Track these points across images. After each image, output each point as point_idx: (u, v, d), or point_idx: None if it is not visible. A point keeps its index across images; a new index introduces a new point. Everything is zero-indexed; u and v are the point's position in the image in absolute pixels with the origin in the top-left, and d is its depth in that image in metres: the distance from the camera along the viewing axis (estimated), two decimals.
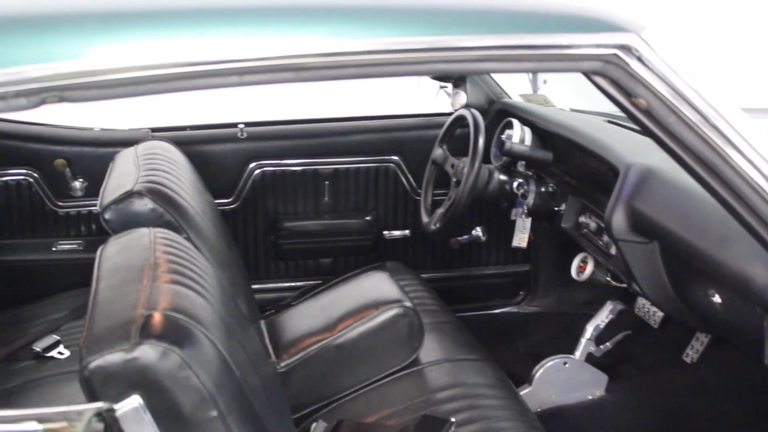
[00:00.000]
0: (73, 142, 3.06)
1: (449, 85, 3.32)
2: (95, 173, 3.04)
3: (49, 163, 3.04)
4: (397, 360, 2.33)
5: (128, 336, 1.40)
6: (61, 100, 1.20)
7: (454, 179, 2.87)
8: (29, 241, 3.10)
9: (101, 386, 1.38)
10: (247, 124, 3.17)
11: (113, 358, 1.37)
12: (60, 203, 3.09)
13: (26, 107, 1.20)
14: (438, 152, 3.03)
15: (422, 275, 3.08)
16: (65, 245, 3.08)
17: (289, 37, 1.29)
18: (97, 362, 1.37)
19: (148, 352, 1.37)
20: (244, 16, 1.33)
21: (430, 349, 2.41)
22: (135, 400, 1.34)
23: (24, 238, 3.10)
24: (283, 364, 2.26)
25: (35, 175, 3.04)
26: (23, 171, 3.04)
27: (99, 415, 1.26)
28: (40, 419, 1.22)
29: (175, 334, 1.44)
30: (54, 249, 3.07)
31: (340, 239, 3.32)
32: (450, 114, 3.11)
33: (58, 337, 2.54)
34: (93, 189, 3.06)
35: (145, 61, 1.23)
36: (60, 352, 2.49)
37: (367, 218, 3.33)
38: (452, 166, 2.92)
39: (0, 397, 2.33)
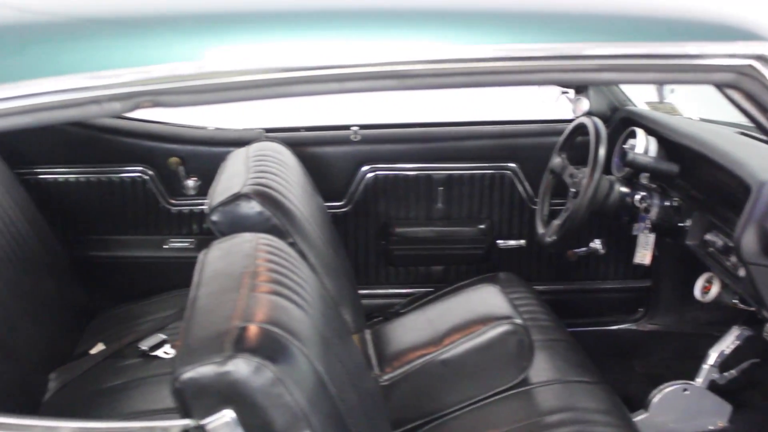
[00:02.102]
0: (187, 140, 3.07)
1: (571, 91, 3.19)
2: (208, 172, 3.04)
3: (164, 161, 3.06)
4: (504, 379, 2.24)
5: (222, 348, 1.35)
6: (156, 104, 1.17)
7: (573, 190, 2.75)
8: (142, 237, 3.13)
9: (193, 399, 1.34)
10: (361, 127, 3.12)
11: (205, 370, 1.33)
12: (173, 201, 3.11)
13: (120, 111, 1.17)
14: (556, 161, 2.91)
15: (535, 287, 2.97)
16: (177, 243, 3.10)
17: (393, 42, 1.23)
18: (189, 374, 1.33)
19: (241, 366, 1.33)
20: (345, 19, 1.26)
21: (540, 369, 2.31)
22: (227, 415, 1.30)
23: (137, 235, 3.14)
24: (386, 377, 2.19)
25: (150, 172, 3.07)
26: (139, 168, 3.06)
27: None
28: None
29: (270, 348, 1.39)
30: (165, 247, 3.09)
31: (452, 247, 3.23)
32: (570, 121, 2.98)
33: (164, 337, 2.55)
34: (205, 188, 3.03)
35: (240, 66, 1.18)
36: (166, 352, 2.49)
37: (481, 226, 3.24)
38: (571, 175, 2.80)
39: (105, 394, 2.34)
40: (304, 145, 3.02)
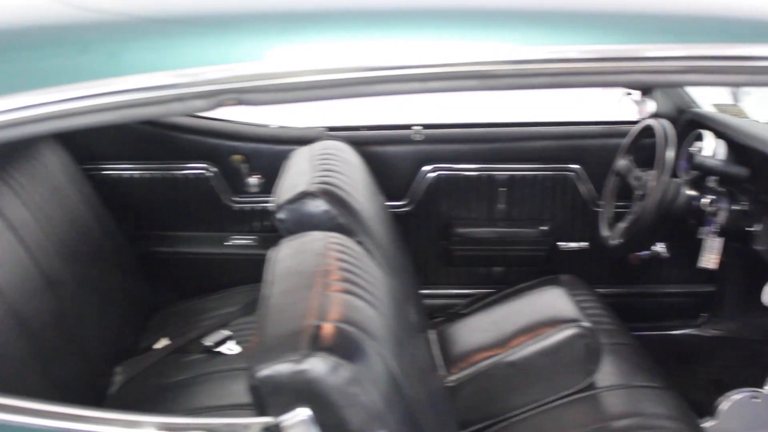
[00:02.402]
0: (250, 138, 3.08)
1: (635, 93, 3.15)
2: (270, 170, 3.06)
3: (227, 159, 3.08)
4: (570, 382, 2.21)
5: (298, 347, 1.35)
6: (239, 102, 1.17)
7: (639, 192, 2.71)
8: (204, 234, 3.16)
9: (269, 396, 1.34)
10: (424, 126, 3.11)
11: (282, 368, 1.33)
12: (235, 198, 3.13)
13: (203, 109, 1.17)
14: (622, 163, 2.88)
15: (597, 290, 2.93)
16: (238, 240, 3.11)
17: (476, 43, 1.21)
18: (266, 372, 1.34)
19: (318, 365, 1.33)
20: (427, 19, 1.25)
21: (606, 373, 2.28)
22: (303, 413, 1.30)
23: (199, 232, 3.16)
24: (452, 378, 2.18)
25: (213, 169, 3.09)
26: (202, 165, 3.09)
27: (266, 429, 1.22)
28: (208, 430, 1.19)
29: (346, 347, 1.39)
30: (227, 244, 3.11)
31: (513, 248, 3.21)
32: (635, 123, 2.94)
33: (228, 333, 2.56)
34: (268, 185, 3.07)
35: (323, 65, 1.18)
36: (230, 348, 2.51)
37: (543, 228, 3.21)
38: (637, 178, 2.76)
39: (170, 389, 2.36)
40: (366, 144, 3.01)
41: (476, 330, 2.37)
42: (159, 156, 3.09)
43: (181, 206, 3.13)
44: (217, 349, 2.51)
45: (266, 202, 3.09)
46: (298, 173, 2.42)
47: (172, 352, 2.58)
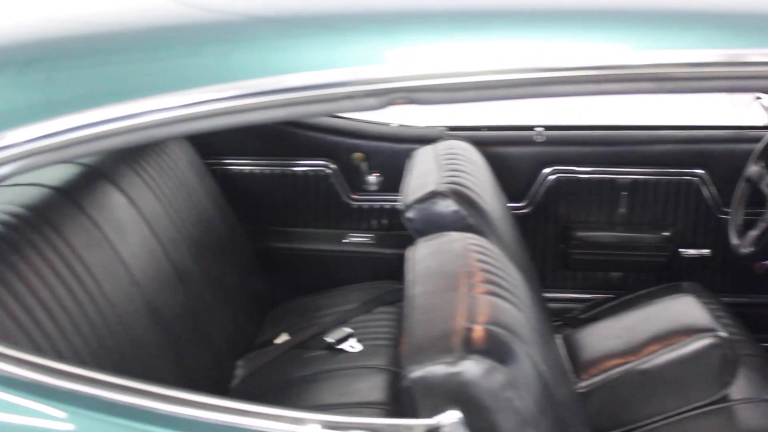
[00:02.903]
0: (370, 136, 3.09)
1: (766, 96, 3.05)
2: (390, 168, 3.06)
3: (347, 156, 3.08)
4: (704, 393, 2.15)
5: (451, 349, 1.35)
6: (410, 101, 1.16)
7: None
8: (322, 231, 3.17)
9: (421, 397, 1.34)
10: (546, 128, 3.07)
11: (436, 370, 1.33)
12: (354, 196, 3.13)
13: (373, 108, 1.17)
14: (753, 169, 2.78)
15: (721, 299, 2.85)
16: (356, 238, 3.12)
17: (652, 44, 1.18)
18: (419, 373, 1.33)
19: (472, 368, 1.32)
20: (603, 20, 1.23)
21: (739, 385, 2.21)
22: (455, 416, 1.29)
23: (317, 228, 3.18)
24: (583, 384, 2.14)
25: (333, 166, 3.10)
26: (322, 162, 3.11)
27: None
28: (371, 429, 1.19)
29: (499, 350, 1.37)
30: (345, 241, 3.12)
31: (633, 253, 3.14)
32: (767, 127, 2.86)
33: (350, 330, 2.56)
34: (387, 184, 3.08)
35: (496, 65, 1.16)
36: (351, 346, 2.51)
37: (665, 234, 3.13)
38: None
39: (293, 384, 2.38)
40: (486, 145, 2.98)
41: (606, 336, 2.32)
42: (279, 152, 3.12)
43: (300, 202, 3.16)
44: (339, 347, 2.51)
45: (385, 200, 3.10)
46: (425, 172, 2.41)
47: (293, 347, 2.60)
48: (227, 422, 1.18)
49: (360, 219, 3.15)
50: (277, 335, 2.68)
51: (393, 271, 3.01)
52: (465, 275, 1.62)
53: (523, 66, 1.16)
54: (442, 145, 2.67)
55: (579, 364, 2.23)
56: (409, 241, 3.00)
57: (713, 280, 3.16)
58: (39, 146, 1.19)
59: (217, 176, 2.95)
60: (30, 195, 1.92)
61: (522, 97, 1.17)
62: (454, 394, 1.32)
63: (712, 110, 3.51)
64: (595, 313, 2.87)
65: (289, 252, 3.13)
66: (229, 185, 2.99)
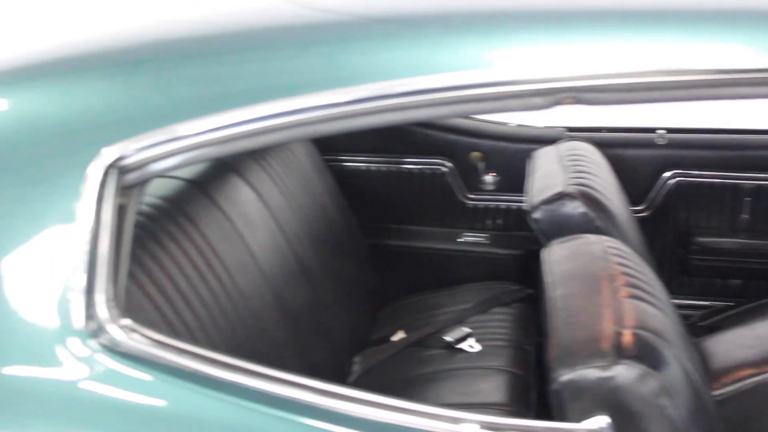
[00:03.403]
0: (489, 135, 3.07)
1: None
2: (507, 168, 3.05)
3: (464, 155, 3.07)
4: None
5: (603, 353, 1.33)
6: (577, 101, 1.14)
7: None
8: (436, 229, 3.17)
9: (570, 401, 1.33)
10: (669, 131, 3.01)
11: (587, 374, 1.31)
12: (470, 195, 3.12)
13: (540, 107, 1.15)
14: None
15: None
16: (471, 237, 3.10)
17: None
18: (569, 376, 1.32)
19: (624, 373, 1.30)
20: None
21: None
22: (602, 421, 1.27)
23: (431, 227, 3.17)
24: (715, 393, 2.09)
25: (449, 165, 3.09)
26: (438, 160, 3.10)
27: None
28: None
29: (650, 355, 1.35)
30: (459, 240, 3.11)
31: (755, 261, 3.05)
32: None
33: (468, 330, 2.55)
34: (503, 184, 3.06)
35: (668, 66, 1.13)
36: (470, 346, 2.49)
37: None
38: None
39: (412, 382, 2.37)
40: (606, 146, 2.94)
41: (737, 345, 2.26)
42: (396, 149, 3.12)
43: (415, 200, 3.16)
44: (458, 346, 2.50)
45: (501, 200, 3.08)
46: (551, 173, 2.39)
47: (411, 345, 2.60)
48: (387, 420, 1.18)
49: (475, 218, 3.14)
50: (393, 332, 2.68)
51: (507, 271, 3.01)
52: (607, 278, 1.60)
53: (698, 68, 1.13)
54: (564, 146, 2.64)
55: (709, 373, 2.17)
56: (524, 241, 3.01)
57: None
58: (205, 140, 1.22)
59: (333, 172, 2.97)
60: (168, 187, 1.96)
61: (695, 100, 1.14)
62: (605, 399, 1.30)
63: None
64: (716, 321, 2.79)
65: (403, 250, 3.13)
66: (345, 182, 3.01)
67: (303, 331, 2.22)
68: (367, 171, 3.13)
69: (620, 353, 1.32)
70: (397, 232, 3.16)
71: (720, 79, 1.13)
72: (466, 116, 3.02)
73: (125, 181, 1.25)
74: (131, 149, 1.22)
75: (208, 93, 1.24)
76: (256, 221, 2.20)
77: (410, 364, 2.49)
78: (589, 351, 1.34)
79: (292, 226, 2.39)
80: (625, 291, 1.54)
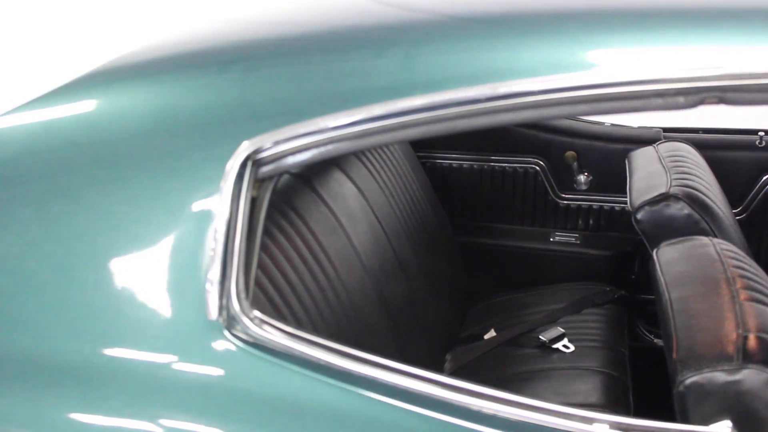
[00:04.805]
0: (583, 135, 3.04)
1: None
2: (600, 168, 3.02)
3: (558, 154, 3.05)
4: None
5: (729, 357, 1.32)
6: (721, 101, 1.13)
7: None
8: (528, 228, 3.16)
9: (694, 404, 1.32)
10: None
11: (714, 377, 1.30)
12: (562, 195, 3.10)
13: (683, 107, 1.15)
14: None
15: None
16: (562, 237, 3.08)
17: None
18: (694, 378, 1.31)
19: (752, 377, 1.29)
20: None
21: None
22: (725, 426, 1.25)
23: (523, 225, 3.16)
24: None
25: (543, 164, 3.08)
26: (531, 159, 3.08)
27: None
28: None
29: None
30: (551, 239, 3.09)
31: None
32: None
33: (562, 330, 2.54)
34: (596, 184, 3.03)
35: None
36: (565, 346, 2.48)
37: None
38: None
39: (507, 381, 2.37)
40: (703, 148, 2.89)
41: None
42: (489, 147, 3.11)
43: (507, 199, 3.15)
44: (553, 346, 2.49)
45: (594, 200, 3.05)
46: (652, 174, 2.36)
47: (503, 343, 2.59)
48: (521, 417, 1.19)
49: (567, 218, 3.12)
50: (484, 331, 2.68)
51: (598, 271, 2.99)
52: (725, 281, 1.58)
53: None
54: (664, 147, 2.61)
55: None
56: (615, 242, 2.99)
57: None
58: (341, 134, 1.23)
59: (427, 170, 2.98)
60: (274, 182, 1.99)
61: None
62: (731, 402, 1.29)
63: None
64: None
65: (493, 248, 3.12)
66: (437, 179, 3.02)
67: (402, 327, 2.23)
68: (460, 168, 3.13)
69: (747, 357, 1.31)
70: (488, 230, 3.16)
71: None
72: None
73: (259, 174, 1.27)
74: (269, 142, 1.24)
75: (343, 88, 1.25)
76: (358, 216, 2.22)
77: (504, 362, 2.48)
78: (715, 354, 1.33)
79: (391, 221, 2.40)
80: (744, 294, 1.52)
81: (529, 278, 3.03)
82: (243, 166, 1.25)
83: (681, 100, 1.14)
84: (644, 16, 1.23)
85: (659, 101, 1.14)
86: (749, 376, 1.28)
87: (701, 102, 1.14)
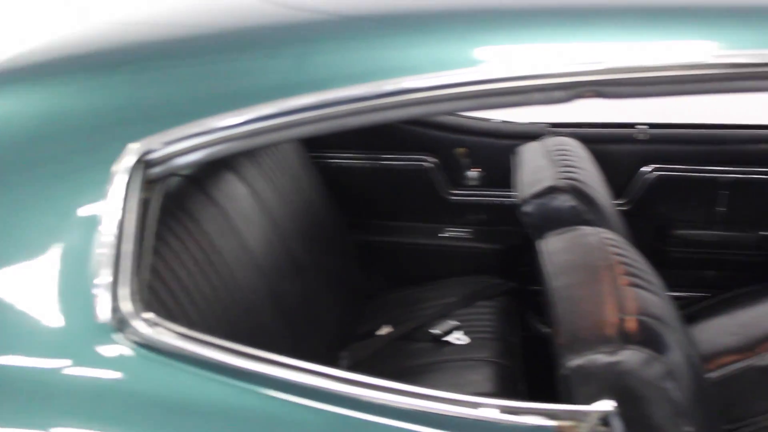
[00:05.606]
0: (472, 132, 3.10)
1: None
2: (491, 164, 3.09)
3: (447, 151, 3.10)
4: None
5: (609, 339, 1.37)
6: (598, 95, 1.19)
7: None
8: (420, 225, 3.20)
9: (578, 386, 1.37)
10: (649, 126, 3.07)
11: (595, 359, 1.35)
12: (453, 191, 3.16)
13: (562, 100, 1.20)
14: None
15: None
16: (454, 232, 3.14)
17: None
18: (578, 362, 1.36)
19: (631, 358, 1.34)
20: None
21: None
22: (608, 405, 1.31)
23: (415, 222, 3.21)
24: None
25: (432, 161, 3.12)
26: (423, 156, 3.13)
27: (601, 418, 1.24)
28: (549, 414, 1.22)
29: (654, 340, 1.40)
30: (442, 235, 3.14)
31: (732, 252, 3.12)
32: None
33: (456, 323, 2.59)
34: (487, 180, 3.10)
35: (687, 60, 1.18)
36: (458, 338, 2.53)
37: (763, 233, 3.11)
38: None
39: (402, 375, 2.40)
40: (587, 142, 2.99)
41: (720, 333, 2.33)
42: (380, 146, 3.14)
43: (399, 196, 3.19)
44: (445, 339, 2.54)
45: (484, 195, 3.12)
46: (539, 168, 2.43)
47: (398, 338, 2.63)
48: (411, 406, 1.22)
49: (458, 214, 3.17)
50: (378, 327, 2.71)
51: (489, 265, 3.06)
52: (606, 268, 1.64)
53: (714, 62, 1.18)
54: (550, 141, 2.69)
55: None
56: (506, 236, 3.06)
57: None
58: (231, 134, 1.24)
59: (319, 169, 2.99)
60: (166, 183, 1.97)
61: (711, 93, 1.19)
62: (612, 383, 1.34)
63: None
64: (694, 312, 2.86)
65: (386, 245, 3.16)
66: (330, 179, 3.04)
67: (296, 325, 2.25)
68: (353, 167, 3.15)
69: (626, 339, 1.36)
70: (381, 228, 3.20)
71: (733, 73, 1.18)
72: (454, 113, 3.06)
73: (150, 175, 1.27)
74: (158, 143, 1.25)
75: (233, 88, 1.27)
76: (252, 217, 2.23)
77: (398, 357, 2.52)
78: (596, 337, 1.39)
79: (285, 221, 2.42)
80: (624, 279, 1.59)
81: (423, 274, 3.07)
82: (133, 167, 1.25)
83: (560, 94, 1.19)
84: (525, 15, 1.28)
85: (539, 96, 1.19)
86: (629, 356, 1.34)
87: (579, 96, 1.19)
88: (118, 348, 1.25)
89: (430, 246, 3.14)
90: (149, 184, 1.28)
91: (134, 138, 1.25)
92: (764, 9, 1.25)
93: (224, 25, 1.50)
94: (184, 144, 1.24)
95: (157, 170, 1.27)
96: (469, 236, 3.13)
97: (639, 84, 1.18)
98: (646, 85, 1.18)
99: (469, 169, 3.11)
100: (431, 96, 1.20)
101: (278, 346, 2.09)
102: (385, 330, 2.69)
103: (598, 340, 1.38)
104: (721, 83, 1.18)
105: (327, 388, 1.25)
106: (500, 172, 2.97)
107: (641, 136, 3.06)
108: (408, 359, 2.50)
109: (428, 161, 3.13)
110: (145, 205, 1.28)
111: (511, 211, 3.06)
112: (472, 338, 2.53)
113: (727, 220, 3.13)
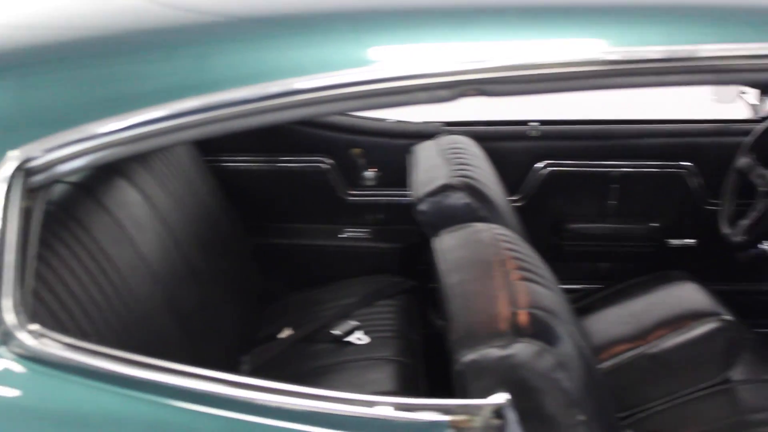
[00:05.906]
0: (367, 132, 3.11)
1: (750, 91, 3.13)
2: (387, 164, 3.10)
3: (344, 152, 3.11)
4: (708, 375, 2.23)
5: (502, 333, 1.39)
6: (481, 93, 1.21)
7: (763, 189, 2.71)
8: (318, 226, 3.20)
9: (472, 380, 1.39)
10: (540, 123, 3.13)
11: (488, 353, 1.37)
12: (350, 191, 3.16)
13: (445, 99, 1.21)
14: (743, 161, 2.87)
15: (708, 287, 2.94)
16: (352, 233, 3.15)
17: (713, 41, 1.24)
18: (471, 356, 1.38)
19: (523, 350, 1.37)
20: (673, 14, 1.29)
21: (738, 366, 2.29)
22: (502, 397, 1.33)
23: (313, 223, 3.20)
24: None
25: (329, 162, 3.13)
26: (319, 158, 3.13)
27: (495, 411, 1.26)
28: (443, 409, 1.23)
29: (545, 332, 1.43)
30: (341, 236, 3.15)
31: (623, 244, 3.21)
32: (757, 121, 2.94)
33: (356, 323, 2.60)
34: (384, 179, 3.12)
35: (566, 58, 1.21)
36: (359, 338, 2.54)
37: (653, 225, 3.21)
38: (760, 176, 2.76)
39: (303, 377, 2.40)
40: (481, 140, 3.02)
41: (613, 323, 2.40)
42: (275, 148, 3.13)
43: (296, 198, 3.18)
44: (346, 339, 2.54)
45: (382, 195, 3.14)
46: (433, 166, 2.45)
47: (298, 341, 2.62)
48: (307, 407, 1.22)
49: (356, 214, 3.18)
50: (279, 330, 2.70)
51: (389, 264, 3.07)
52: (498, 263, 1.67)
53: (593, 59, 1.21)
54: (444, 140, 2.71)
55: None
56: (405, 235, 3.08)
57: (698, 268, 3.24)
58: (114, 139, 1.22)
59: (215, 173, 2.96)
60: (55, 191, 1.93)
61: (588, 89, 1.23)
62: (505, 376, 1.37)
63: (698, 105, 3.59)
64: (588, 303, 2.93)
65: (285, 247, 3.15)
66: (227, 182, 3.01)
67: (194, 332, 2.22)
68: (247, 171, 3.14)
69: (518, 332, 1.39)
70: (279, 231, 3.19)
71: (611, 70, 1.22)
72: (346, 113, 3.06)
73: (31, 183, 1.24)
74: (39, 150, 1.22)
75: (116, 92, 1.24)
76: (145, 223, 2.19)
77: (299, 359, 2.52)
78: (489, 332, 1.41)
79: (180, 227, 2.38)
80: (516, 274, 1.62)
81: (323, 275, 3.07)
82: (12, 176, 1.22)
83: (444, 93, 1.20)
84: (409, 15, 1.30)
85: (424, 95, 1.20)
86: (521, 349, 1.36)
87: (463, 95, 1.21)
88: (2, 362, 1.22)
89: (329, 247, 3.14)
90: (31, 192, 1.24)
91: (14, 145, 1.21)
92: (641, 7, 1.29)
93: (108, 29, 1.47)
94: (66, 150, 1.22)
95: (38, 178, 1.24)
96: (368, 236, 3.14)
97: (520, 82, 1.21)
98: (527, 82, 1.21)
99: (366, 169, 3.12)
100: (319, 97, 1.20)
101: (176, 353, 2.08)
102: (286, 333, 2.68)
103: (491, 335, 1.40)
104: (601, 80, 1.22)
105: (221, 394, 1.23)
106: (396, 172, 2.99)
107: (534, 133, 3.12)
108: (310, 361, 2.50)
109: (325, 162, 3.13)
110: (27, 215, 1.25)
111: (409, 210, 3.08)
112: (373, 338, 2.54)
113: (618, 212, 3.22)
